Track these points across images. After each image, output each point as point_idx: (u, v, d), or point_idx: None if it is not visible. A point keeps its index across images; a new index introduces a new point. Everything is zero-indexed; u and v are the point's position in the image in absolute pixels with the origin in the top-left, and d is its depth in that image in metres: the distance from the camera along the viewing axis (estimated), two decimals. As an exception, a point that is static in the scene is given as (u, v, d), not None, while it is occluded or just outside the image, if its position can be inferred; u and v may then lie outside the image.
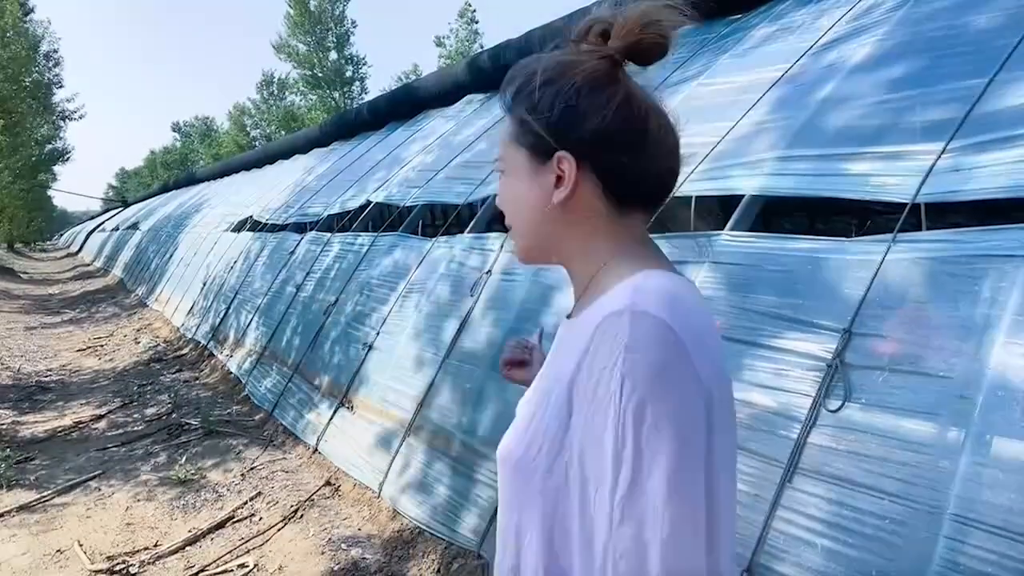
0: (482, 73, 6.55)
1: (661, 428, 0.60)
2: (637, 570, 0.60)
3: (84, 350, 8.08)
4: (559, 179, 0.75)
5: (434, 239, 4.24)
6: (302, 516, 3.39)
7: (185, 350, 7.41)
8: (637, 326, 0.63)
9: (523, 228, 0.80)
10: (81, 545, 3.19)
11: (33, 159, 22.26)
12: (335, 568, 2.89)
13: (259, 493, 3.70)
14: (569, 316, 0.83)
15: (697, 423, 0.62)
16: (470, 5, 28.60)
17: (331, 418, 4.07)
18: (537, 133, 0.75)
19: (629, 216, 0.77)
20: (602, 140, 0.73)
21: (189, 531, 3.30)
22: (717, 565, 0.62)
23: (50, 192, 36.96)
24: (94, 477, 4.03)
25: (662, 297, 0.66)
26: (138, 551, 3.14)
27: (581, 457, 0.66)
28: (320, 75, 30.26)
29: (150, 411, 5.36)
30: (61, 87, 20.52)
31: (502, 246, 3.54)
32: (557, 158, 0.74)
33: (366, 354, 4.07)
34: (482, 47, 25.71)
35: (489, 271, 3.48)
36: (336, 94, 30.49)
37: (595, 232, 0.77)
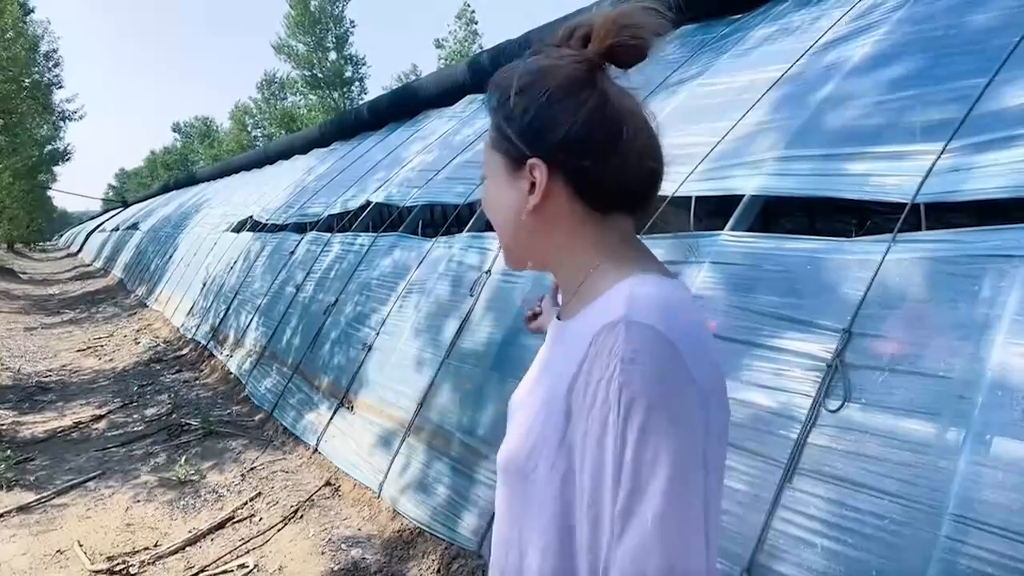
0: (482, 73, 6.56)
1: (660, 436, 0.61)
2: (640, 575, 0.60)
3: (84, 350, 8.08)
4: (532, 186, 0.75)
5: (434, 239, 4.24)
6: (302, 516, 3.39)
7: (185, 350, 7.41)
8: (633, 337, 0.63)
9: (503, 232, 0.82)
10: (81, 545, 3.19)
11: (33, 159, 22.25)
12: (335, 568, 2.89)
13: (259, 493, 3.70)
14: (559, 317, 0.83)
15: (695, 429, 0.63)
16: (468, 6, 28.59)
17: (331, 418, 4.07)
18: (511, 139, 0.76)
19: (612, 218, 0.77)
20: (570, 146, 0.73)
21: (189, 531, 3.30)
22: (712, 565, 0.64)
23: (50, 193, 36.95)
24: (94, 478, 4.03)
25: (656, 305, 0.66)
26: (138, 551, 3.14)
27: (581, 465, 0.67)
28: (320, 75, 30.25)
29: (150, 411, 5.36)
30: (61, 87, 20.47)
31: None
32: (529, 165, 0.75)
33: (366, 354, 4.07)
34: (481, 48, 25.73)
35: (488, 271, 3.48)
36: (335, 94, 30.48)
37: (575, 236, 0.77)
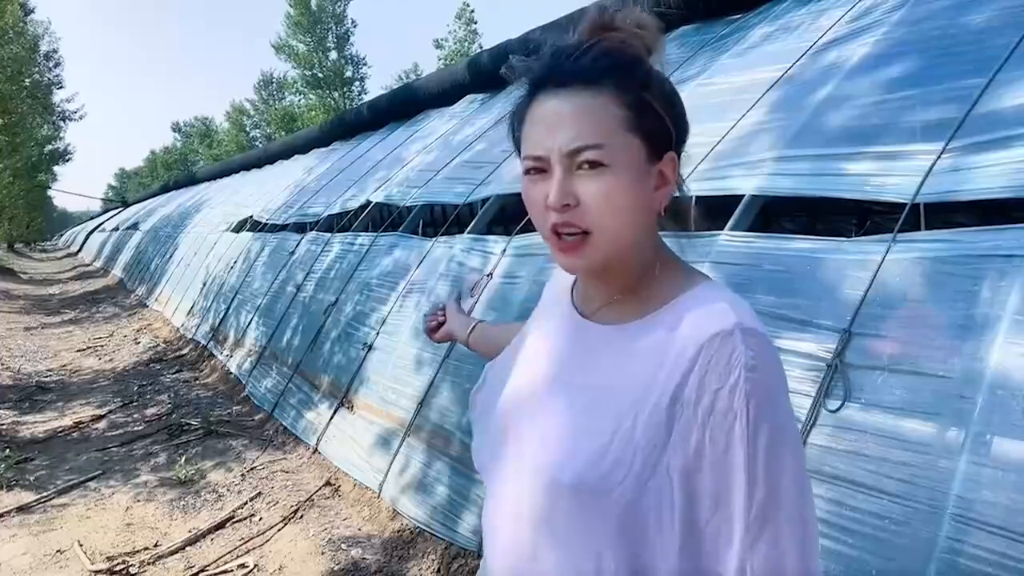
0: (482, 73, 6.55)
1: (786, 441, 0.63)
2: None
3: (84, 350, 8.08)
4: (664, 181, 0.70)
5: (434, 239, 4.24)
6: (302, 516, 3.39)
7: (185, 350, 7.41)
8: (751, 345, 0.63)
9: (620, 235, 0.69)
10: (81, 545, 3.19)
11: (33, 159, 22.29)
12: (335, 568, 2.89)
13: (259, 493, 3.70)
14: (584, 315, 0.79)
15: (797, 427, 0.67)
16: (468, 6, 28.58)
17: (331, 418, 4.07)
18: (664, 125, 0.69)
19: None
20: (685, 141, 0.74)
21: (189, 531, 3.30)
22: None
23: (50, 192, 36.98)
24: (94, 477, 4.03)
25: (750, 312, 0.67)
26: (138, 551, 3.14)
27: (689, 476, 0.64)
28: (320, 75, 30.26)
29: (150, 411, 5.36)
30: (61, 87, 20.58)
31: (504, 250, 3.53)
32: (669, 157, 0.70)
33: (366, 354, 4.07)
34: (481, 47, 25.72)
35: (490, 274, 3.48)
36: (336, 94, 30.49)
37: (655, 239, 0.76)
